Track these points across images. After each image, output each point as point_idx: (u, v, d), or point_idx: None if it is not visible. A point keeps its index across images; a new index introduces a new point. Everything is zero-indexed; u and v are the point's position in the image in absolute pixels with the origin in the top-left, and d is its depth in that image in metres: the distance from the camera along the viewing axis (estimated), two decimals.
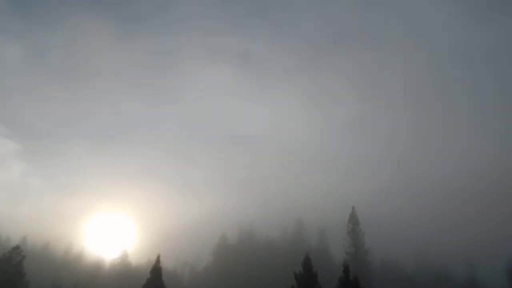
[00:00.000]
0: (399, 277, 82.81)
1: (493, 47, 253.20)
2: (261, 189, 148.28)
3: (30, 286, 57.18)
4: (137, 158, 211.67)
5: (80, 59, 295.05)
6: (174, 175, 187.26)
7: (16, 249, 57.93)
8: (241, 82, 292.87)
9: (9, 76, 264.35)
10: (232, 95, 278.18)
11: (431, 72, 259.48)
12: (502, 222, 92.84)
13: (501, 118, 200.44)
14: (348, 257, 69.72)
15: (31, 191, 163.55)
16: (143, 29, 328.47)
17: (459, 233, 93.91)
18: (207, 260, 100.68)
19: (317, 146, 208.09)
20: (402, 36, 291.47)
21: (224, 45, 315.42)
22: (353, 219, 73.91)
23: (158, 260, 51.32)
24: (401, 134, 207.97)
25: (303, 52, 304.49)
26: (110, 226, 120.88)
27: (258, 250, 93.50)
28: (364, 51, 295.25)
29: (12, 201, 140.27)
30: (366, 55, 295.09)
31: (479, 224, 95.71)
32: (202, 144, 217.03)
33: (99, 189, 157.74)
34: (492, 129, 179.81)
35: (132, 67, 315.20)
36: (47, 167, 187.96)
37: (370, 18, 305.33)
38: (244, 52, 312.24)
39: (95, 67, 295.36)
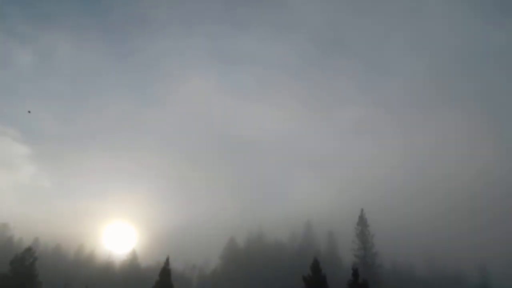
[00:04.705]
0: (409, 280, 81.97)
1: (496, 49, 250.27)
2: (269, 192, 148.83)
3: (42, 286, 57.98)
4: (146, 162, 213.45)
5: (84, 65, 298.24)
6: (184, 179, 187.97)
7: (29, 250, 58.63)
8: (245, 84, 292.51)
9: (20, 81, 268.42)
10: (237, 98, 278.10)
11: (436, 74, 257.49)
12: None
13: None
14: (357, 260, 69.27)
15: (41, 193, 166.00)
16: (142, 32, 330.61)
17: (471, 236, 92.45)
18: (216, 263, 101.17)
19: (325, 149, 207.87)
20: (406, 38, 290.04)
21: (225, 47, 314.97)
22: (362, 222, 73.20)
23: (167, 262, 51.42)
24: (408, 136, 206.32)
25: (305, 54, 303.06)
26: (119, 227, 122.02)
27: (267, 253, 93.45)
28: (367, 53, 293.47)
29: (23, 203, 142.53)
30: (370, 57, 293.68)
31: (491, 228, 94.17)
32: (215, 151, 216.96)
33: (108, 192, 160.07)
34: (503, 132, 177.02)
35: (138, 69, 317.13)
36: (57, 170, 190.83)
37: (373, 20, 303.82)
38: (245, 53, 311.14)
39: (99, 72, 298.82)
